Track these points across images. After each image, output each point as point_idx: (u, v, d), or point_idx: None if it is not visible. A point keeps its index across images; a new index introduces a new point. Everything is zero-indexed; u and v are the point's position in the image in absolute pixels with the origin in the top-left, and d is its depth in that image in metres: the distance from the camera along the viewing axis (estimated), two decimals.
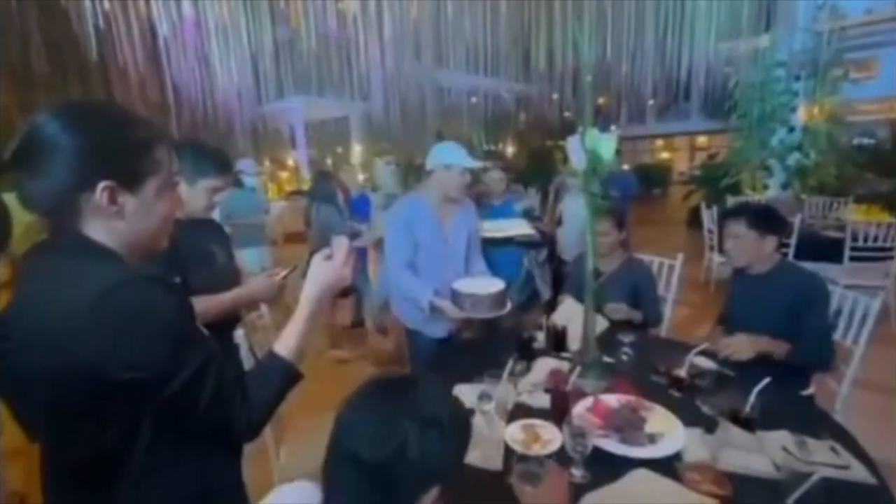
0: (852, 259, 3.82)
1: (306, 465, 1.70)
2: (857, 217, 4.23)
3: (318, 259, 0.90)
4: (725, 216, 1.81)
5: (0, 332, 0.79)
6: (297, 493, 0.74)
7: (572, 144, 1.39)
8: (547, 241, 2.79)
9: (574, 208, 3.16)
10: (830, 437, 1.20)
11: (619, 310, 2.00)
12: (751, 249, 1.69)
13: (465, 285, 1.86)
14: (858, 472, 1.09)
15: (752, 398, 1.23)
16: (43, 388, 0.67)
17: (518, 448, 1.20)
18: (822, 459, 1.12)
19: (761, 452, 1.13)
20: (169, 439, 0.72)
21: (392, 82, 9.19)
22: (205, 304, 1.35)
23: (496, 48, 6.78)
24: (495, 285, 1.84)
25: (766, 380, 1.26)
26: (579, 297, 2.15)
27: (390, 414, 0.62)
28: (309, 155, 10.88)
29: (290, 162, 12.01)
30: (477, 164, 2.13)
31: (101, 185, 0.67)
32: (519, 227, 2.60)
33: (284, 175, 10.88)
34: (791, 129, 6.15)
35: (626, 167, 15.21)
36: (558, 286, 3.12)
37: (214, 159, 1.53)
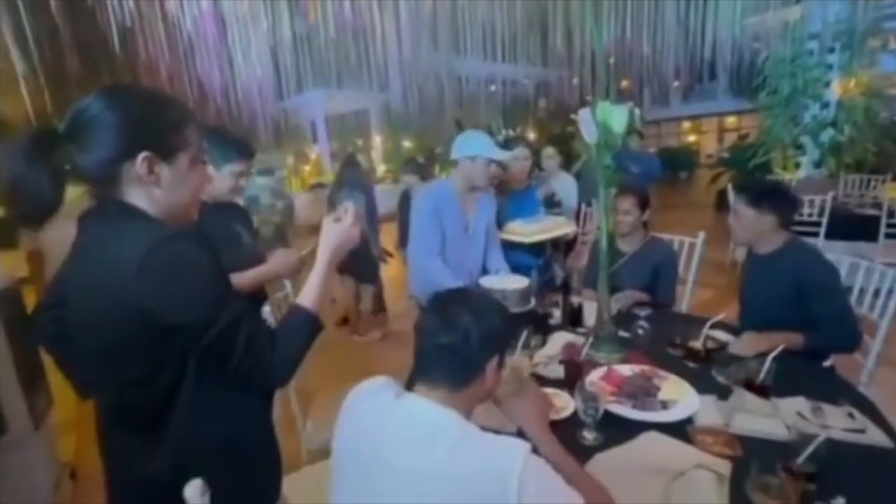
0: (888, 237, 3.67)
1: (331, 434, 1.77)
2: (894, 195, 4.05)
3: (328, 222, 1.01)
4: (738, 193, 1.78)
5: (54, 300, 0.89)
6: (380, 385, 0.87)
7: (583, 117, 1.40)
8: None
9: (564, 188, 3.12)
10: (848, 403, 1.20)
11: (620, 299, 1.97)
12: (749, 227, 1.66)
13: (493, 282, 1.90)
14: (875, 436, 1.08)
15: (766, 365, 1.23)
16: (100, 340, 0.77)
17: None
18: (838, 424, 1.12)
19: (774, 417, 1.14)
20: (211, 382, 0.82)
21: (409, 72, 9.21)
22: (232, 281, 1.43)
23: (513, 33, 6.70)
24: (521, 282, 1.87)
25: (780, 347, 1.26)
26: (596, 273, 2.16)
27: (452, 311, 0.83)
28: (330, 148, 11.04)
29: (313, 155, 12.20)
30: (503, 154, 2.13)
31: (142, 155, 0.76)
32: (558, 227, 2.42)
33: (307, 168, 11.07)
34: (825, 105, 5.89)
35: (651, 150, 14.88)
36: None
37: (238, 145, 1.61)
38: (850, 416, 1.15)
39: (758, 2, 6.48)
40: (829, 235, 3.93)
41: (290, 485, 1.33)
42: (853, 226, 3.91)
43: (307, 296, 0.92)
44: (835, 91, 5.77)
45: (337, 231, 0.99)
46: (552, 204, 2.74)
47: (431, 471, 0.71)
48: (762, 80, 6.25)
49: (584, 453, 1.07)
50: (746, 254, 1.90)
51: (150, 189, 0.79)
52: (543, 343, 1.65)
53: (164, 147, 0.79)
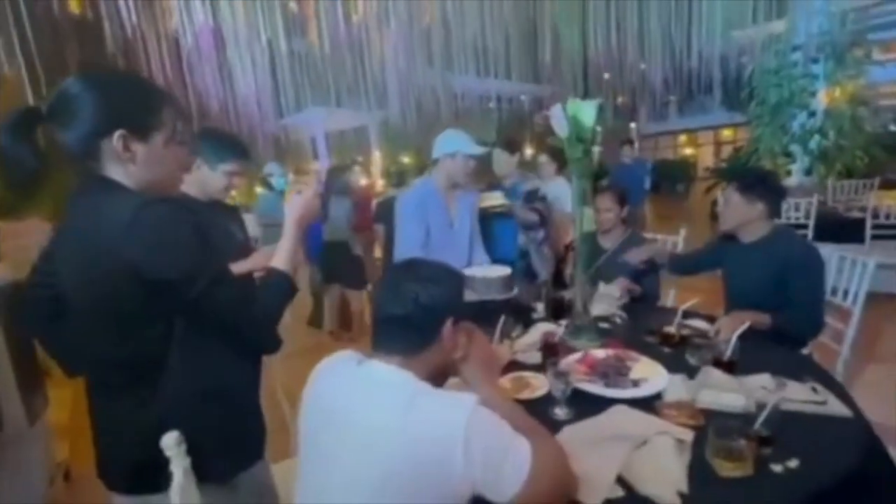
0: (874, 238, 3.72)
1: None
2: (883, 201, 4.12)
3: (291, 195, 1.13)
4: (729, 180, 1.84)
5: (40, 279, 0.96)
6: (347, 355, 0.92)
7: (554, 112, 1.47)
8: (546, 224, 2.83)
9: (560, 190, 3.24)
10: (813, 380, 1.24)
11: (611, 288, 2.02)
12: (739, 214, 1.72)
13: (476, 271, 1.97)
14: (834, 407, 1.12)
15: (732, 343, 1.28)
16: (93, 303, 0.84)
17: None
18: (800, 396, 1.16)
19: (739, 392, 1.18)
20: (198, 340, 0.89)
21: (407, 89, 9.40)
22: None
23: (506, 50, 6.87)
24: (503, 270, 1.95)
25: (746, 324, 1.31)
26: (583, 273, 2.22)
27: (400, 282, 0.88)
28: (331, 164, 11.17)
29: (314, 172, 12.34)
30: (480, 150, 2.19)
31: (118, 132, 0.83)
32: (493, 199, 2.58)
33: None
34: (812, 114, 6.00)
35: (644, 158, 15.02)
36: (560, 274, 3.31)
37: (233, 145, 1.68)
38: (814, 389, 1.20)
39: (741, 16, 6.65)
40: (818, 238, 3.99)
41: (282, 472, 1.35)
42: (841, 229, 3.97)
43: (279, 260, 1.03)
44: (821, 100, 5.89)
45: (299, 202, 1.10)
46: (534, 199, 2.81)
47: (385, 426, 0.74)
48: (750, 92, 6.39)
49: (555, 428, 1.12)
50: (716, 237, 1.93)
51: (128, 165, 0.86)
52: (524, 333, 1.70)
53: (140, 126, 0.86)
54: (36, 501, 1.93)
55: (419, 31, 7.13)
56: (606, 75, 9.37)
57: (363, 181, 5.43)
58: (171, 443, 0.73)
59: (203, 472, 0.91)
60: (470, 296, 1.96)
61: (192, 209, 0.87)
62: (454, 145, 2.07)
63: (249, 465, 1.03)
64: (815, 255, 1.67)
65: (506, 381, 1.36)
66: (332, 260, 3.77)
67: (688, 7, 6.37)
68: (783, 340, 1.62)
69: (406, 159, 12.23)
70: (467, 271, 1.95)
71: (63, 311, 0.90)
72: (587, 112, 1.45)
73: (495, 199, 2.53)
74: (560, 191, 3.24)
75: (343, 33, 6.43)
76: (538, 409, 1.19)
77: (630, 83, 9.35)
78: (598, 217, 2.28)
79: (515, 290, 1.95)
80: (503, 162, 2.88)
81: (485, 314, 1.79)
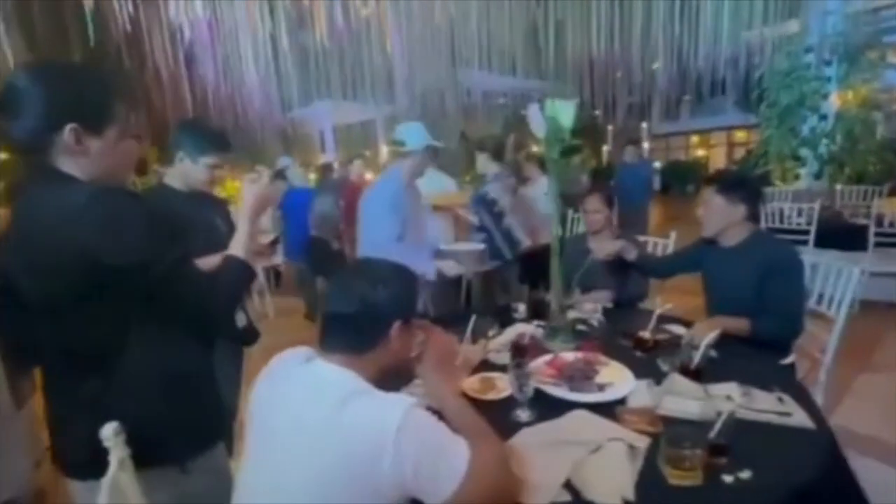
0: (878, 245, 3.64)
1: None
2: (891, 208, 4.03)
3: (246, 183, 1.14)
4: (707, 183, 1.79)
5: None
6: (298, 352, 0.91)
7: (532, 113, 1.46)
8: (497, 225, 2.95)
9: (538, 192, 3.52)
10: (781, 389, 1.22)
11: (584, 302, 1.99)
12: (720, 217, 1.69)
13: (457, 246, 2.11)
14: (798, 419, 1.10)
15: (700, 350, 1.26)
16: (50, 292, 0.85)
17: (473, 394, 1.28)
18: (764, 407, 1.14)
19: (703, 400, 1.17)
20: (151, 327, 0.91)
21: (415, 85, 9.37)
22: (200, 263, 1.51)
23: (513, 47, 6.81)
24: (476, 245, 2.11)
25: (716, 332, 1.29)
26: (570, 275, 2.21)
27: (349, 281, 0.89)
28: (338, 157, 11.21)
29: (320, 162, 12.39)
30: (437, 142, 2.31)
31: (68, 126, 0.84)
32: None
33: (313, 177, 11.27)
34: (823, 117, 5.89)
35: (656, 164, 14.77)
36: (534, 271, 3.50)
37: (214, 138, 1.69)
38: (780, 400, 1.18)
39: (754, 16, 6.51)
40: (821, 244, 3.92)
41: None
42: (845, 235, 3.89)
43: (236, 247, 1.06)
44: (833, 103, 5.77)
45: (254, 190, 1.12)
46: (488, 202, 2.96)
47: (315, 423, 0.74)
48: (760, 93, 6.28)
49: (515, 429, 1.11)
50: (697, 242, 1.91)
51: (79, 158, 0.87)
52: (500, 334, 1.69)
53: (92, 120, 0.87)
54: (22, 484, 1.97)
55: (427, 26, 7.10)
56: (619, 74, 9.27)
57: (367, 175, 5.46)
58: (109, 433, 0.74)
59: (159, 455, 0.94)
60: (453, 269, 2.21)
61: (139, 197, 0.90)
62: (424, 138, 2.14)
63: (205, 448, 1.05)
64: (794, 258, 1.64)
65: (474, 380, 1.36)
66: (315, 254, 3.85)
67: (696, 6, 6.25)
68: (763, 346, 1.61)
69: None
70: (449, 246, 2.06)
71: (15, 303, 0.90)
72: (565, 112, 1.43)
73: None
74: (539, 192, 3.48)
75: (349, 28, 6.44)
76: (501, 411, 1.19)
77: (641, 82, 9.22)
78: (587, 218, 2.27)
79: (488, 265, 2.08)
80: (485, 164, 3.15)
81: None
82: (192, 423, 1.02)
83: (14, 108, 0.83)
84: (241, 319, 1.74)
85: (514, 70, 7.31)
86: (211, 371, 1.10)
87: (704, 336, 1.51)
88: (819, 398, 1.73)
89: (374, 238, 2.12)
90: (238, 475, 0.85)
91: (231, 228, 1.90)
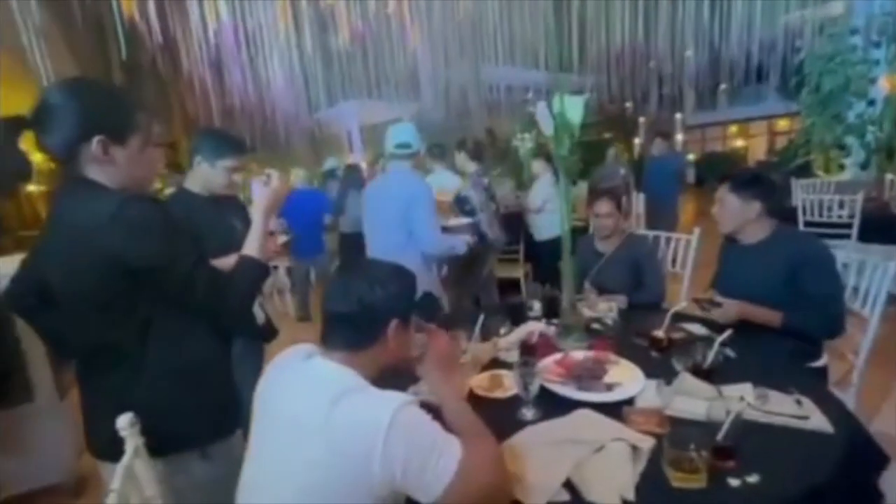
0: None
1: None
2: None
3: (258, 185, 1.18)
4: (721, 182, 1.72)
5: (30, 272, 1.05)
6: (300, 349, 0.94)
7: (540, 109, 1.44)
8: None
9: (545, 190, 3.76)
10: (800, 392, 1.17)
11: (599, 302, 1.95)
12: (735, 215, 1.63)
13: (458, 221, 2.67)
14: (816, 422, 1.06)
15: (713, 350, 1.23)
16: (81, 292, 0.94)
17: (480, 392, 1.29)
18: (779, 409, 1.10)
19: (712, 400, 1.13)
20: (174, 323, 1.00)
21: (440, 81, 9.38)
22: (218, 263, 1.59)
23: (536, 40, 6.69)
24: (469, 220, 2.78)
25: (728, 332, 1.25)
26: (583, 275, 2.18)
27: (348, 281, 0.91)
28: (364, 157, 11.37)
29: (349, 162, 12.60)
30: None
31: (96, 138, 0.91)
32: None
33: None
34: (871, 103, 5.53)
35: (690, 156, 14.21)
36: (534, 262, 4.11)
37: (230, 142, 1.77)
38: (798, 402, 1.13)
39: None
40: (866, 238, 3.70)
41: None
42: (891, 228, 3.65)
43: (249, 248, 1.12)
44: (881, 87, 5.41)
45: (266, 193, 1.17)
46: (459, 200, 3.16)
47: (309, 419, 0.76)
48: (801, 79, 5.96)
49: (520, 428, 1.11)
50: (723, 243, 1.85)
51: (106, 167, 0.95)
52: (512, 330, 1.69)
53: (117, 131, 0.94)
54: (66, 471, 2.12)
55: (449, 21, 7.08)
56: (652, 63, 8.96)
57: None
58: (125, 423, 0.79)
59: (181, 441, 1.03)
60: (470, 240, 2.55)
61: (163, 205, 0.99)
62: (420, 139, 2.35)
63: (224, 436, 1.12)
64: (823, 250, 1.56)
65: (483, 378, 1.37)
66: (346, 252, 3.93)
67: None
68: (794, 348, 1.54)
69: None
70: (448, 223, 2.52)
71: (50, 301, 0.99)
72: (574, 108, 1.41)
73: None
74: (545, 188, 3.80)
75: (371, 27, 6.50)
76: (507, 409, 1.20)
77: (671, 72, 8.89)
78: (598, 223, 2.22)
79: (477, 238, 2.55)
80: (464, 163, 3.36)
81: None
82: (211, 412, 1.10)
83: (47, 121, 0.92)
84: (259, 317, 1.80)
85: (538, 64, 7.19)
86: (228, 364, 1.17)
87: (727, 316, 1.50)
88: (851, 403, 1.65)
89: (433, 226, 2.28)
90: (243, 468, 0.89)
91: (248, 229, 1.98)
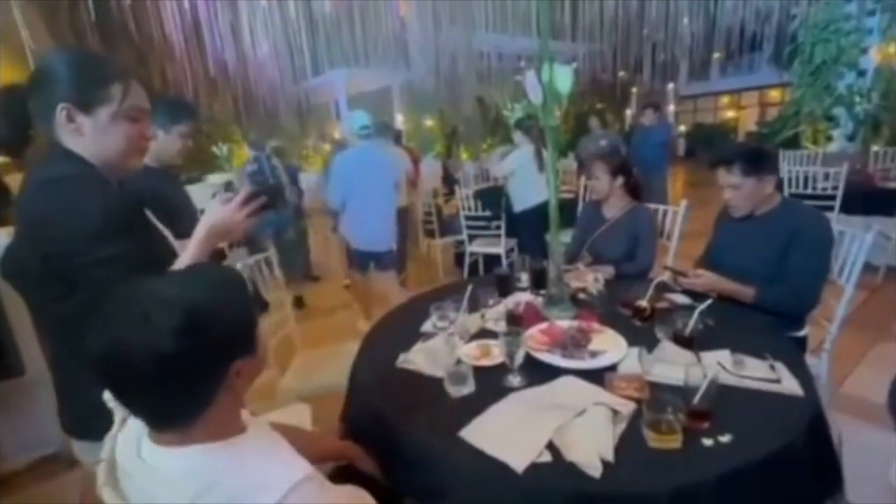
0: None
1: (303, 385, 1.95)
2: None
3: (214, 201, 0.99)
4: (715, 166, 1.66)
5: (13, 239, 1.03)
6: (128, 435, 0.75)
7: (528, 79, 1.42)
8: None
9: (520, 158, 3.77)
10: (774, 358, 1.21)
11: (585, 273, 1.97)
12: (753, 196, 1.61)
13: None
14: (787, 386, 1.11)
15: (693, 319, 1.26)
16: (31, 263, 0.91)
17: (468, 361, 1.32)
18: (753, 374, 1.15)
19: (690, 366, 1.17)
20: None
21: (430, 49, 9.14)
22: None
23: (528, 6, 6.51)
24: None
25: (709, 300, 1.29)
26: (584, 240, 2.21)
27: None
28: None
29: (337, 135, 12.37)
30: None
31: (60, 105, 0.90)
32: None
33: (327, 147, 11.27)
34: (861, 73, 5.53)
35: (681, 128, 14.08)
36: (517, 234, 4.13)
37: (184, 107, 1.83)
38: (771, 367, 1.18)
39: None
40: (847, 209, 3.77)
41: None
42: (874, 200, 3.72)
43: (182, 261, 0.96)
44: (873, 58, 5.40)
45: (217, 212, 0.97)
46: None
47: None
48: (794, 48, 5.92)
49: (506, 394, 1.15)
50: (717, 218, 1.86)
51: (77, 137, 0.92)
52: (499, 302, 1.72)
53: (83, 100, 0.91)
54: (56, 445, 2.14)
55: None
56: (645, 31, 8.80)
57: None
58: (109, 395, 0.80)
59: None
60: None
61: (101, 189, 0.92)
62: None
63: None
64: (824, 227, 1.57)
65: (472, 347, 1.40)
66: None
67: None
68: (781, 317, 1.57)
69: (429, 122, 12.04)
70: None
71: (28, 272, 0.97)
72: (563, 78, 1.39)
73: None
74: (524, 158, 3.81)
75: None
76: (494, 376, 1.23)
77: (667, 40, 8.75)
78: (592, 185, 2.25)
79: None
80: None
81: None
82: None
83: (32, 88, 0.92)
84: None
85: (531, 31, 7.03)
86: None
87: (697, 286, 1.53)
88: (824, 367, 1.72)
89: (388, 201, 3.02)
90: None
91: (187, 207, 1.91)
